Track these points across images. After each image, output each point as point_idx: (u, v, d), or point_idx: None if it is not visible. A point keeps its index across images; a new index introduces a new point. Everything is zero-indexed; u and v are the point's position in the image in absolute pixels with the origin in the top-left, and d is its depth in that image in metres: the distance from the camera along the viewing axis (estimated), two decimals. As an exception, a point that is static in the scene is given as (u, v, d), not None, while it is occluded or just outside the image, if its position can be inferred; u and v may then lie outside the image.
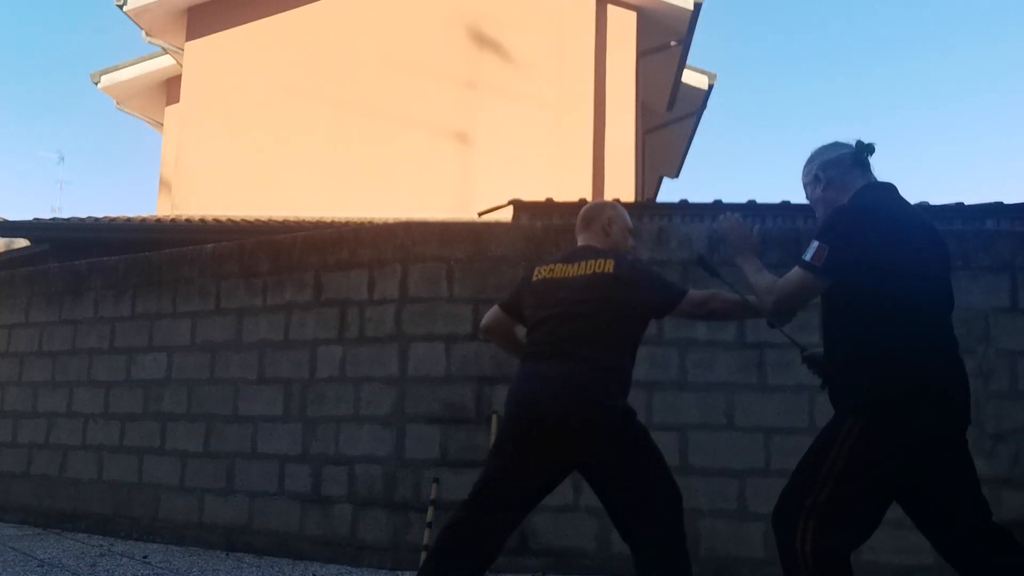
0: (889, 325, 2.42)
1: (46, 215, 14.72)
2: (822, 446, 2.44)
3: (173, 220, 10.27)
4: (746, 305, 2.85)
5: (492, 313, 3.26)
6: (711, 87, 13.65)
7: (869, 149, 2.66)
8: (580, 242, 3.15)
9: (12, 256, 11.29)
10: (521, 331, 3.17)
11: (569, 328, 2.90)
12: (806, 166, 2.76)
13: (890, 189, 2.66)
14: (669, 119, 14.34)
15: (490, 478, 2.92)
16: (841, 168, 2.67)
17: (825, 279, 2.47)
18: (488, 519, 2.88)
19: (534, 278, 3.09)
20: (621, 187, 11.02)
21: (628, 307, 2.91)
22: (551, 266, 3.07)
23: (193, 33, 12.04)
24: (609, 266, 2.94)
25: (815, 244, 2.46)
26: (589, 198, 9.82)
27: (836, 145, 2.73)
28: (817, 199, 2.71)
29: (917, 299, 2.45)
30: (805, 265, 2.47)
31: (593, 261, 2.97)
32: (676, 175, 17.50)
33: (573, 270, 2.99)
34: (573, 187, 10.35)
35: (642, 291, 2.92)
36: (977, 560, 2.43)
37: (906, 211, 2.60)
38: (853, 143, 2.69)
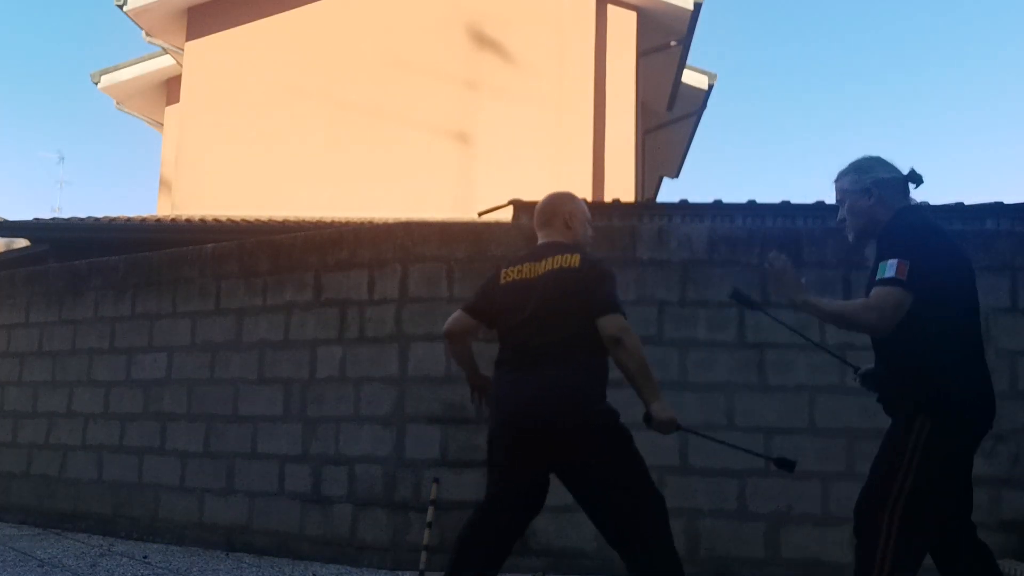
0: (953, 336, 2.64)
1: (46, 215, 14.70)
2: (896, 444, 2.62)
3: (173, 220, 10.27)
4: (648, 372, 2.82)
5: (457, 318, 3.17)
6: (711, 87, 13.65)
7: (919, 180, 2.83)
8: (542, 238, 3.11)
9: (12, 256, 11.28)
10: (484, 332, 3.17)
11: (546, 331, 2.89)
12: (855, 174, 2.86)
13: (927, 210, 2.83)
14: (669, 119, 14.32)
15: (491, 484, 2.96)
16: (894, 190, 2.82)
17: (911, 293, 2.59)
18: (497, 522, 2.91)
19: (502, 280, 3.06)
20: (621, 187, 11.01)
21: (585, 299, 2.90)
22: (518, 267, 3.04)
23: (193, 33, 12.03)
24: (575, 261, 2.93)
25: (894, 261, 2.59)
26: (589, 198, 9.82)
27: (885, 163, 2.87)
28: (861, 211, 2.84)
29: (970, 312, 2.70)
30: (893, 282, 2.59)
31: (560, 257, 2.96)
32: (676, 175, 17.50)
33: (540, 268, 2.97)
34: (573, 187, 10.14)
35: (591, 288, 2.89)
36: (958, 557, 2.69)
37: (945, 231, 2.82)
38: (902, 168, 2.86)
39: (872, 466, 2.71)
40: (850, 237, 2.94)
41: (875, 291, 2.62)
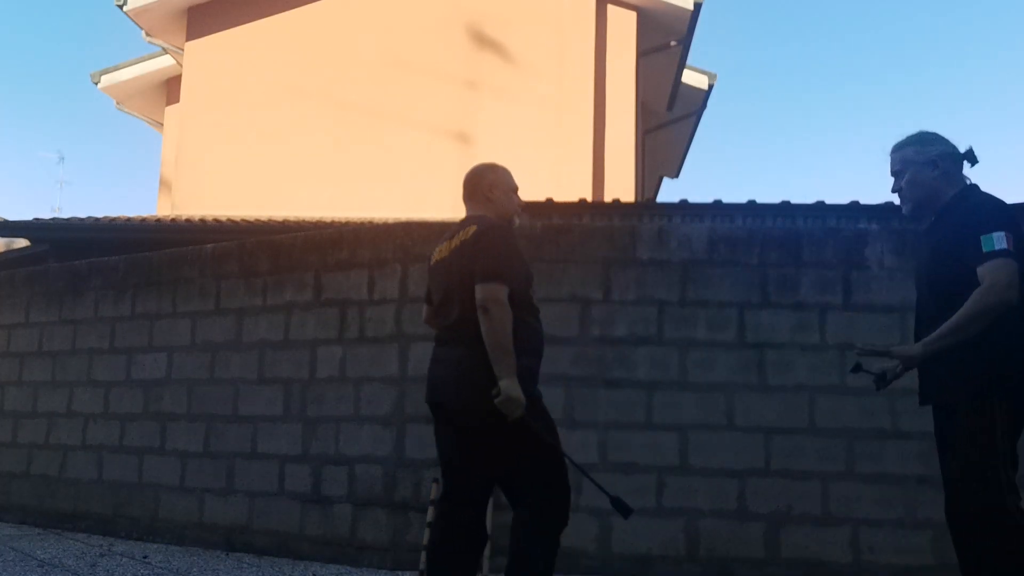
0: (1019, 315, 2.62)
1: (46, 215, 14.72)
2: (985, 433, 2.62)
3: (173, 220, 10.27)
4: (504, 348, 2.75)
5: (424, 310, 3.28)
6: (711, 87, 13.65)
7: (976, 160, 2.85)
8: (467, 212, 3.09)
9: (12, 256, 11.28)
10: None
11: (454, 310, 2.90)
12: (919, 145, 2.86)
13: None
14: (669, 119, 14.33)
15: (441, 468, 3.03)
16: (957, 164, 2.84)
17: (1018, 263, 2.60)
18: (457, 512, 2.93)
19: (431, 263, 3.09)
20: (621, 187, 11.01)
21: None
22: (440, 246, 3.05)
23: (193, 33, 12.04)
24: (470, 232, 2.89)
25: (1000, 233, 2.59)
26: (589, 198, 9.82)
27: (945, 140, 2.87)
28: (924, 182, 2.83)
29: None
30: (1005, 253, 2.58)
31: (464, 230, 2.93)
32: (676, 175, 17.50)
33: (453, 244, 2.96)
34: (573, 187, 10.34)
35: (477, 255, 2.84)
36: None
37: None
38: (960, 145, 2.87)
39: (955, 463, 2.67)
40: (905, 209, 2.90)
41: (987, 266, 2.57)
